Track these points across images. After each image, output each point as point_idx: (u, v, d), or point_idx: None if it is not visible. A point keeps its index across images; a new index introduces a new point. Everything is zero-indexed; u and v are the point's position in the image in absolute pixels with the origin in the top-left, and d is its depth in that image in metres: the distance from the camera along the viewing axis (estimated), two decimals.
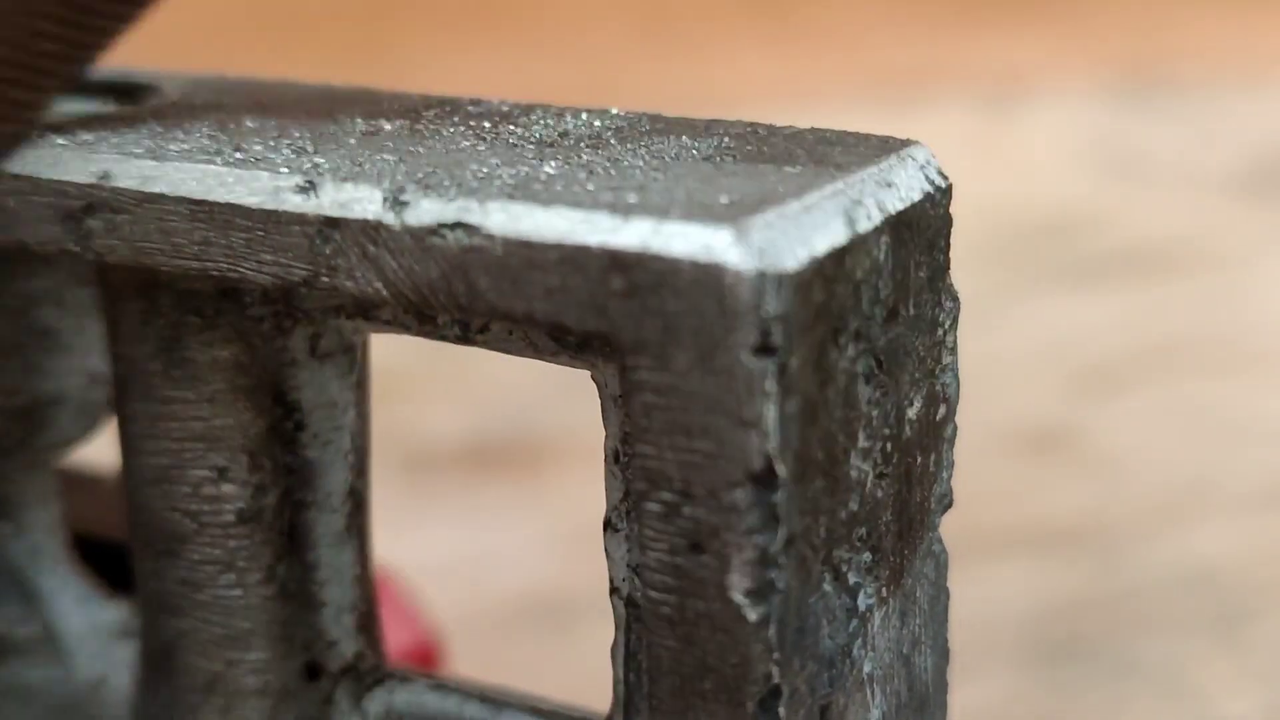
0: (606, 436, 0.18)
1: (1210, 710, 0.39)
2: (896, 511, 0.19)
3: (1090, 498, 0.49)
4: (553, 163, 0.18)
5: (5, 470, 0.24)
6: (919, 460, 0.19)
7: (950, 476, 0.20)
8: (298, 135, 0.20)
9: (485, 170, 0.18)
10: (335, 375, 0.20)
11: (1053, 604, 0.43)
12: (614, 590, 0.19)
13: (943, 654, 0.21)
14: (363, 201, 0.18)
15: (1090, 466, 0.51)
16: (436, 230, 0.17)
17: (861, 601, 0.18)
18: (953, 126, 0.82)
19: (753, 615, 0.17)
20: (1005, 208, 0.72)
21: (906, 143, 0.19)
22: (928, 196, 0.18)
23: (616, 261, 0.16)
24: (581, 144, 0.19)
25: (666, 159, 0.18)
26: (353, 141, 0.19)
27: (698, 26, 0.95)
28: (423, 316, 0.19)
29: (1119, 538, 0.47)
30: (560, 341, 0.18)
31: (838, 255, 0.17)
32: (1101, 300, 0.64)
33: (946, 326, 0.19)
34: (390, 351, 0.28)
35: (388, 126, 0.20)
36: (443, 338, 0.19)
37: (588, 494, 0.23)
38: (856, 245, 0.17)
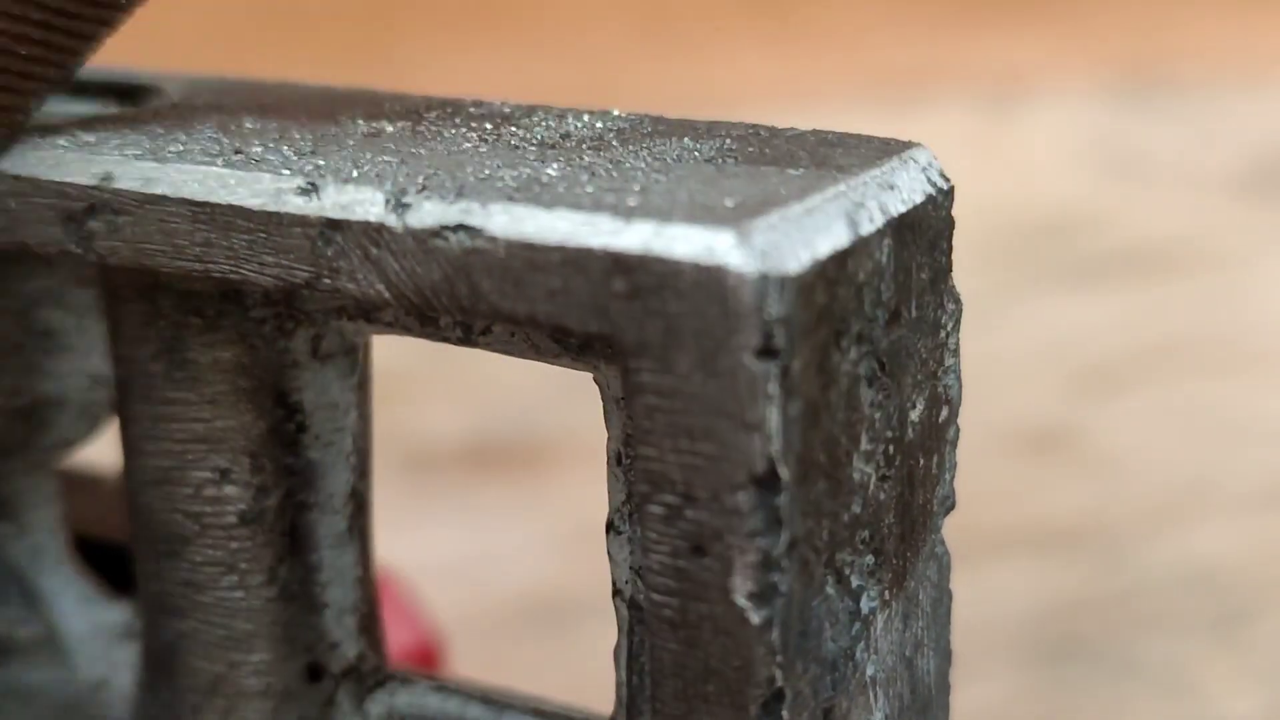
0: (609, 438, 0.18)
1: (1211, 710, 0.39)
2: (899, 514, 0.19)
3: (1090, 498, 0.49)
4: (555, 164, 0.18)
5: (6, 471, 0.24)
6: (921, 462, 0.19)
7: (953, 478, 0.20)
8: (299, 137, 0.20)
9: (487, 172, 0.18)
10: (337, 377, 0.20)
11: (1053, 604, 0.43)
12: (616, 592, 0.19)
13: (945, 656, 0.20)
14: (365, 203, 0.18)
15: (1090, 466, 0.51)
16: (439, 232, 0.17)
17: (864, 604, 0.18)
18: (953, 126, 0.82)
19: (755, 618, 0.17)
20: (1005, 208, 0.72)
21: (909, 145, 0.19)
22: (930, 199, 0.18)
23: (619, 264, 0.16)
24: (583, 146, 0.19)
25: (668, 161, 0.18)
26: (354, 143, 0.19)
27: (698, 26, 0.94)
28: (425, 318, 0.19)
29: (1119, 538, 0.47)
30: (562, 343, 0.18)
31: (840, 258, 0.17)
32: (1101, 300, 0.64)
33: (949, 328, 0.19)
34: (392, 353, 0.28)
35: (389, 128, 0.20)
36: (445, 339, 0.19)
37: (589, 495, 0.23)
38: (859, 248, 0.17)
